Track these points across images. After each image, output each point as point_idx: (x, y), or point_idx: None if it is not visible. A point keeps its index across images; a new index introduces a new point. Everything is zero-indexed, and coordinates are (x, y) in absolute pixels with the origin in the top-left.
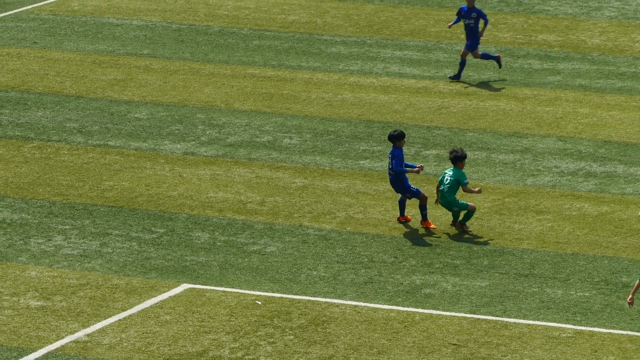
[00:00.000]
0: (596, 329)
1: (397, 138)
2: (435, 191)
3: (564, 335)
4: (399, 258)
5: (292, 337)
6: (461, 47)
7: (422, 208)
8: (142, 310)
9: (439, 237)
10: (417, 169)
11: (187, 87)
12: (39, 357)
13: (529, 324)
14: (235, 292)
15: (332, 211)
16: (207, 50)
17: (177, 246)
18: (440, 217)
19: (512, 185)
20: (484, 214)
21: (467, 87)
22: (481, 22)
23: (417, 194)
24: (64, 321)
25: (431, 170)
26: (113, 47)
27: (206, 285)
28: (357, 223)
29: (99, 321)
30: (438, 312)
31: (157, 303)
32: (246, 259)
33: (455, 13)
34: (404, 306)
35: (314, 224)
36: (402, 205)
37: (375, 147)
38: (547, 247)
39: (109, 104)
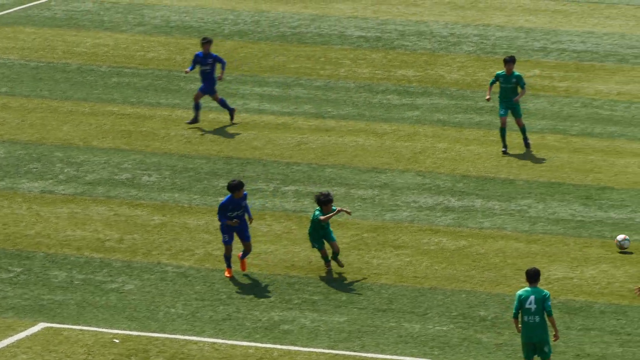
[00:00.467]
0: None
1: (234, 188)
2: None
3: None
4: (257, 294)
5: None
6: (324, 84)
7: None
8: None
9: (298, 273)
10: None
11: (45, 125)
12: None
13: (386, 359)
14: (92, 331)
15: (191, 248)
16: (65, 88)
17: (34, 285)
18: (298, 253)
19: (371, 221)
20: (342, 250)
21: (325, 122)
22: (218, 65)
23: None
24: None
25: (290, 207)
26: None
27: (63, 324)
28: (215, 260)
29: None
30: (296, 347)
31: (14, 342)
32: (104, 297)
33: (192, 60)
34: (262, 342)
35: (173, 261)
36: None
37: None
38: (406, 282)
39: None
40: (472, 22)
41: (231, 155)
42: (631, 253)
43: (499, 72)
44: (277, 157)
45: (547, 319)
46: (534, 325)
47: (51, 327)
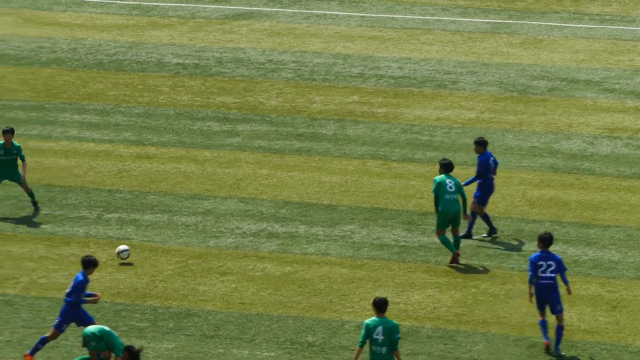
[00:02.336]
0: None
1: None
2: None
3: None
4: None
5: None
6: (144, 111)
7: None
8: None
9: (124, 300)
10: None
11: None
12: None
13: None
14: None
15: (15, 276)
16: None
17: None
18: (123, 280)
19: (195, 247)
20: (168, 277)
21: (146, 149)
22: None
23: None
24: None
25: (113, 234)
26: None
27: None
28: (41, 288)
29: None
30: None
31: None
32: None
33: None
34: None
35: None
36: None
37: (57, 212)
38: (232, 308)
39: None
40: (290, 49)
41: (53, 183)
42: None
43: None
44: (99, 184)
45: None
46: (381, 356)
47: None
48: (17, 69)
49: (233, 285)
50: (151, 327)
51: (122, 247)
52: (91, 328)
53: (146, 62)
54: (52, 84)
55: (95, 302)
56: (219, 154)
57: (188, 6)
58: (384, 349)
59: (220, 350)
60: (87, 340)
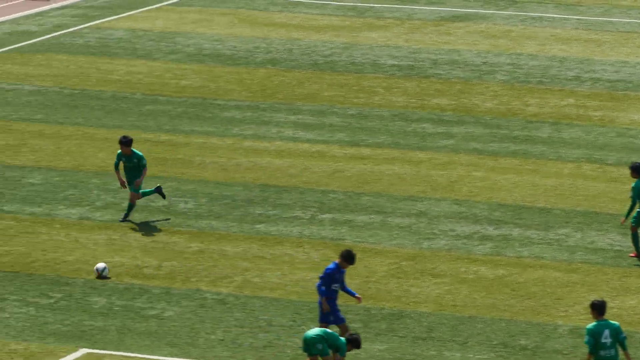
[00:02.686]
0: None
1: (344, 258)
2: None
3: None
4: (297, 321)
5: None
6: (358, 112)
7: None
8: None
9: (337, 301)
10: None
11: (81, 152)
12: None
13: None
14: (133, 357)
15: (229, 275)
16: (100, 115)
17: (74, 311)
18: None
19: (409, 249)
20: (381, 278)
21: (361, 150)
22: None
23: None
24: None
25: (327, 234)
26: (5, 112)
27: (104, 349)
28: (254, 287)
29: None
30: None
31: None
32: (144, 324)
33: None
34: None
35: (212, 287)
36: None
37: (270, 211)
38: (445, 310)
39: (3, 169)
40: (505, 51)
41: (267, 183)
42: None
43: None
44: (313, 184)
45: (622, 352)
46: (611, 358)
47: (92, 353)
48: (233, 69)
49: (446, 288)
50: (364, 327)
51: (100, 265)
52: (314, 331)
53: (361, 63)
54: (267, 84)
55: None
56: (433, 155)
57: (404, 7)
58: (612, 351)
59: (433, 353)
60: (311, 343)
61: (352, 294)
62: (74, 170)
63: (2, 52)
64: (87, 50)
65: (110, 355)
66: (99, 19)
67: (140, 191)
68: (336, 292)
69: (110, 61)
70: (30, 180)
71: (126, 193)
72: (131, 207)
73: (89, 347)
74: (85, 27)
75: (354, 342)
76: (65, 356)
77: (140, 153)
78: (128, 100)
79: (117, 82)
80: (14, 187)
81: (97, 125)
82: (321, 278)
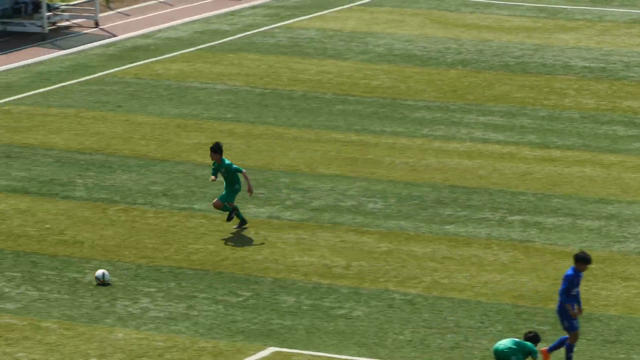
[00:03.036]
0: None
1: (580, 261)
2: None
3: None
4: (485, 323)
5: None
6: (548, 114)
7: (569, 348)
8: None
9: (525, 303)
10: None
11: (271, 151)
12: None
13: None
14: (321, 356)
15: (418, 276)
16: (290, 115)
17: (263, 309)
18: (526, 283)
19: (599, 252)
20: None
21: (551, 152)
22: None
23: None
24: None
25: (516, 236)
26: (197, 111)
27: (292, 348)
28: (443, 288)
29: None
30: None
31: None
32: (332, 323)
33: None
34: None
35: (400, 288)
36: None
37: (460, 212)
38: (635, 314)
39: (194, 168)
40: None
41: (456, 184)
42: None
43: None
44: (503, 186)
45: None
46: None
47: (280, 352)
48: (423, 70)
49: (635, 291)
50: (552, 330)
51: (99, 272)
52: (505, 343)
53: (552, 65)
54: (457, 85)
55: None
56: (625, 158)
57: (595, 9)
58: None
59: (622, 356)
60: (505, 356)
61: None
62: (264, 169)
63: (194, 51)
64: (278, 49)
65: (299, 354)
66: (290, 19)
67: (225, 202)
68: (575, 297)
69: (301, 61)
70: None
71: (315, 192)
72: (229, 209)
73: (277, 346)
74: (276, 27)
75: (535, 339)
76: (253, 354)
77: (228, 162)
78: (318, 100)
79: (308, 82)
80: (204, 186)
81: (287, 124)
82: (562, 284)
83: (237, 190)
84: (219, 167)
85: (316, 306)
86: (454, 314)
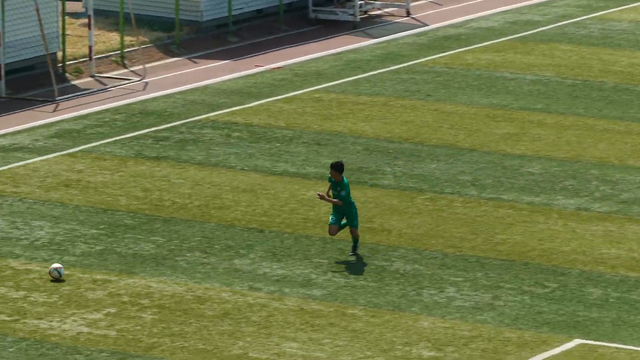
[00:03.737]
0: None
1: None
2: None
3: None
4: None
5: None
6: None
7: None
8: None
9: None
10: None
11: (581, 142)
12: None
13: None
14: (628, 349)
15: None
16: (601, 106)
17: (569, 301)
18: None
19: None
20: None
21: None
22: None
23: None
24: None
25: None
26: (506, 101)
27: (598, 341)
28: None
29: None
30: None
31: (549, 357)
32: (639, 317)
33: None
34: None
35: None
36: None
37: None
38: None
39: (502, 158)
40: None
41: None
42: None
43: None
44: None
45: None
46: None
47: (586, 344)
48: None
49: None
50: None
51: (55, 265)
52: None
53: None
54: None
55: None
56: None
57: None
58: None
59: None
60: None
61: None
62: (573, 161)
63: (504, 40)
64: (590, 40)
65: (604, 346)
66: (603, 10)
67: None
68: None
69: (613, 52)
70: (529, 170)
71: (624, 184)
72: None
73: (583, 338)
74: (588, 18)
75: None
76: (558, 346)
77: (346, 181)
78: (629, 92)
79: (619, 74)
80: (512, 176)
81: (597, 116)
82: None
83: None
84: (337, 185)
85: (623, 299)
86: None
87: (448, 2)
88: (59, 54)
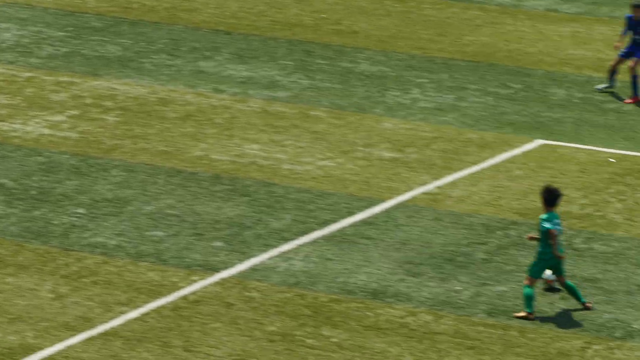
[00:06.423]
0: None
1: None
2: None
3: None
4: None
5: None
6: None
7: None
8: (494, 164)
9: None
10: None
11: None
12: (390, 207)
13: None
14: (588, 149)
15: None
16: None
17: (532, 102)
18: None
19: None
20: None
21: None
22: None
23: None
24: (415, 173)
25: None
26: None
27: (559, 141)
28: None
29: (450, 174)
30: None
31: (509, 158)
32: (602, 117)
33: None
34: None
35: None
36: None
37: None
38: None
39: None
40: None
41: None
42: None
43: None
44: None
45: None
46: None
47: (547, 144)
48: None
49: None
50: None
51: None
52: None
53: None
54: None
55: None
56: None
57: None
58: None
59: None
60: None
61: None
62: None
63: None
64: None
65: (564, 146)
66: None
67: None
68: None
69: None
70: None
71: None
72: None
73: (544, 138)
74: None
75: None
76: (519, 146)
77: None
78: None
79: None
80: None
81: None
82: None
83: (546, 260)
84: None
85: (587, 99)
86: None
87: None
88: None
